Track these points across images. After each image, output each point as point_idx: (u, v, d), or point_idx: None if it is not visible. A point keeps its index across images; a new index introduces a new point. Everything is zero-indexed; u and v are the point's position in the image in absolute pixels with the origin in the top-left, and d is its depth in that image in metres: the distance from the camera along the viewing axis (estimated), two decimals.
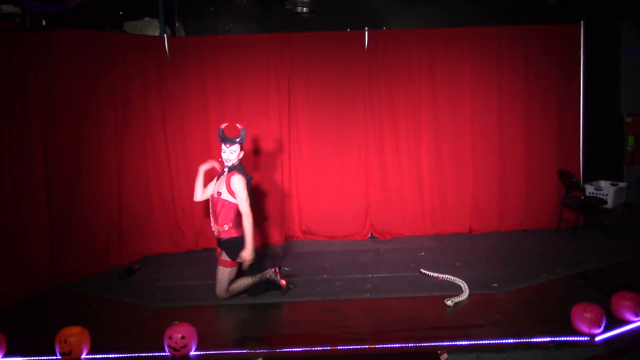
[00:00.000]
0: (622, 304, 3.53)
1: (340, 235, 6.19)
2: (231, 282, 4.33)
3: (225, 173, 4.32)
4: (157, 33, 6.09)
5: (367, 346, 3.37)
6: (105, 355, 3.35)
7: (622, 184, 6.71)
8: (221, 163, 4.36)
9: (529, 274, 4.66)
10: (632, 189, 7.01)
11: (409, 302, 4.17)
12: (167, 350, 3.32)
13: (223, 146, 4.28)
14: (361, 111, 6.14)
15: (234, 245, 4.29)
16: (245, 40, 6.08)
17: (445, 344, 3.33)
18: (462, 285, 4.39)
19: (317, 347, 3.38)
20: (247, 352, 3.37)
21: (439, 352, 3.24)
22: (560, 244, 5.64)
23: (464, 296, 4.18)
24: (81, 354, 3.31)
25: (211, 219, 4.38)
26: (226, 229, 4.27)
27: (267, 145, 6.03)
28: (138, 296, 4.50)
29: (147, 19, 6.28)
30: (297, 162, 6.18)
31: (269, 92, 6.02)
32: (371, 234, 6.26)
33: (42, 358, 3.35)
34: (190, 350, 3.33)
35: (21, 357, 3.36)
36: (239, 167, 4.34)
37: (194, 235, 6.00)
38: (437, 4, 6.98)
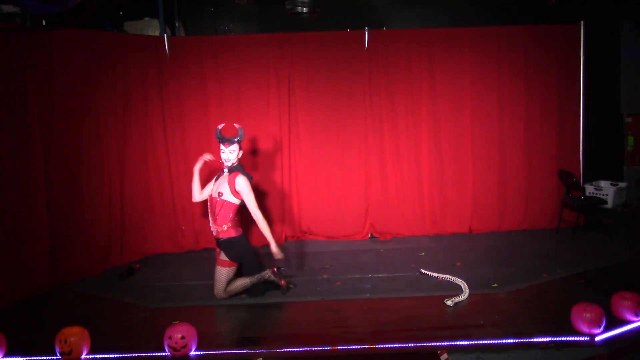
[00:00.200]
0: (622, 304, 3.53)
1: (340, 235, 6.19)
2: (229, 282, 4.33)
3: (226, 174, 4.33)
4: (157, 33, 6.09)
5: (367, 346, 3.37)
6: (105, 355, 3.35)
7: (622, 184, 6.71)
8: (220, 164, 4.37)
9: (529, 274, 4.66)
10: (632, 189, 7.01)
11: (409, 302, 4.17)
12: (167, 350, 3.32)
13: (222, 146, 4.29)
14: (361, 111, 6.14)
15: (233, 245, 4.30)
16: (245, 40, 6.08)
17: (445, 344, 3.33)
18: (462, 285, 4.39)
19: (317, 347, 3.38)
20: (247, 352, 3.37)
21: (439, 352, 3.24)
22: (560, 244, 5.64)
23: (464, 296, 4.17)
24: (81, 354, 3.30)
25: (210, 219, 4.39)
26: (225, 229, 4.28)
27: (267, 145, 6.03)
28: (138, 296, 4.50)
29: (147, 19, 6.28)
30: (297, 161, 6.18)
31: (269, 92, 6.02)
32: (371, 234, 6.26)
33: (42, 358, 3.35)
34: (190, 350, 3.33)
35: (21, 357, 3.36)
36: (240, 168, 4.34)
37: (194, 235, 6.00)
38: (437, 4, 6.98)
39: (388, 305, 4.11)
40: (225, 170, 4.34)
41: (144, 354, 3.37)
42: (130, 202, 5.66)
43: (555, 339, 3.33)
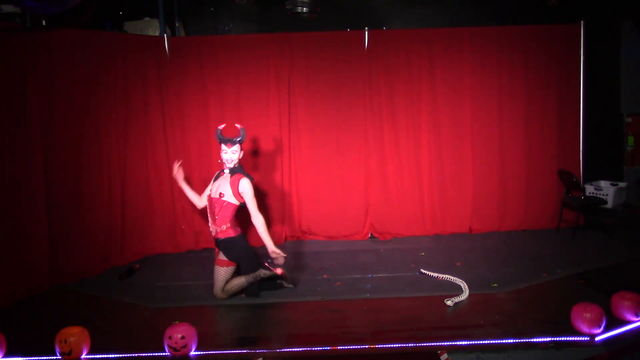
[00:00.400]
0: (622, 304, 3.53)
1: (340, 235, 6.19)
2: (227, 282, 4.34)
3: (227, 174, 4.33)
4: (157, 33, 6.09)
5: (367, 346, 3.37)
6: (105, 355, 3.35)
7: (622, 184, 6.71)
8: (220, 164, 4.38)
9: (529, 274, 4.66)
10: (632, 189, 7.01)
11: (409, 302, 4.17)
12: (167, 350, 3.32)
13: (224, 147, 4.29)
14: (361, 111, 6.13)
15: (231, 245, 4.31)
16: (245, 40, 6.08)
17: (445, 344, 3.33)
18: (462, 285, 4.39)
19: (317, 347, 3.38)
20: (247, 352, 3.37)
21: (439, 352, 3.24)
22: (560, 244, 5.64)
23: (464, 296, 4.17)
24: (81, 354, 3.30)
25: (209, 218, 4.39)
26: (224, 229, 4.29)
27: (267, 145, 6.03)
28: (138, 296, 4.50)
29: (147, 19, 6.28)
30: (297, 161, 6.18)
31: (269, 92, 6.02)
32: (371, 234, 6.26)
33: (42, 358, 3.35)
34: (190, 350, 3.33)
35: (21, 357, 3.36)
36: (241, 169, 4.35)
37: (194, 235, 6.00)
38: (437, 4, 6.98)
39: (388, 305, 4.10)
40: (226, 170, 4.34)
41: (144, 354, 3.37)
42: (130, 202, 5.66)
43: (555, 339, 3.33)
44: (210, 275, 4.43)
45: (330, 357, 3.32)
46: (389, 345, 3.36)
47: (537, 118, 6.22)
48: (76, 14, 4.97)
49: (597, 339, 3.32)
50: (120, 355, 3.36)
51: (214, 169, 4.55)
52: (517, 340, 3.35)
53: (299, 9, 5.94)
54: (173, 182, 5.87)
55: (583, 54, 6.17)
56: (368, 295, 4.35)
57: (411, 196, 6.24)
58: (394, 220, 6.22)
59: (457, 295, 4.16)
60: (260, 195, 5.96)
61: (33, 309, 4.35)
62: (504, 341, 3.35)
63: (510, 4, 6.80)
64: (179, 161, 4.67)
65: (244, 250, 4.36)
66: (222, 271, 4.33)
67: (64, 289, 4.77)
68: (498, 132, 6.22)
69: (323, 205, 6.19)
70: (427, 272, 4.82)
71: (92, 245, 5.26)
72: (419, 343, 3.38)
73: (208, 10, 6.77)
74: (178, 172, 4.61)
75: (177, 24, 6.53)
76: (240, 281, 4.34)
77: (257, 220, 4.27)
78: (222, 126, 4.47)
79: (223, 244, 4.33)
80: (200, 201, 4.61)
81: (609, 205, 6.44)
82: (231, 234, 4.31)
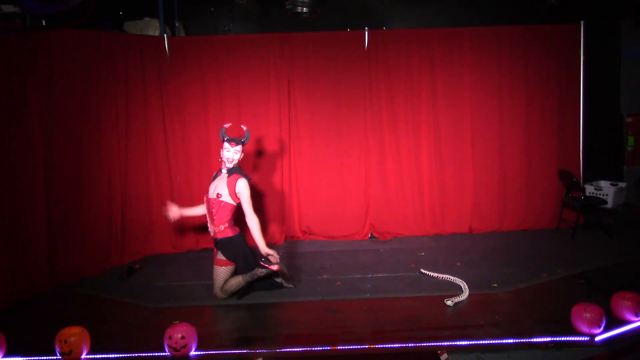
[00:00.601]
0: (622, 304, 3.53)
1: (340, 235, 6.19)
2: (226, 281, 4.34)
3: (224, 174, 4.34)
4: (157, 33, 6.09)
5: (367, 346, 3.37)
6: (105, 355, 3.35)
7: (622, 184, 6.72)
8: (219, 163, 4.38)
9: (529, 274, 4.66)
10: (632, 189, 7.02)
11: (409, 302, 4.17)
12: (167, 350, 3.32)
13: (227, 145, 4.30)
14: (361, 111, 6.13)
15: (230, 244, 4.33)
16: (245, 40, 6.08)
17: (445, 344, 3.33)
18: (462, 285, 4.38)
19: (317, 347, 3.38)
20: (247, 352, 3.37)
21: (439, 352, 3.24)
22: (560, 244, 5.64)
23: (464, 296, 4.17)
24: (81, 354, 3.31)
25: (207, 219, 4.40)
26: (222, 229, 4.30)
27: (267, 145, 6.03)
28: (138, 296, 4.50)
29: (147, 19, 6.28)
30: (297, 162, 6.18)
31: (269, 92, 6.02)
32: (371, 234, 6.26)
33: (42, 358, 3.35)
34: (190, 350, 3.33)
35: (21, 357, 3.36)
36: (239, 170, 4.36)
37: (194, 235, 6.00)
38: (437, 4, 6.99)
39: (388, 305, 4.10)
40: (224, 170, 4.35)
41: (144, 354, 3.37)
42: (130, 202, 5.66)
43: (555, 339, 3.33)
44: (210, 275, 4.43)
45: (330, 357, 3.32)
46: (389, 345, 3.36)
47: (537, 118, 6.22)
48: (76, 14, 4.96)
49: (597, 339, 3.32)
50: (120, 355, 3.35)
51: (214, 169, 4.56)
52: (517, 340, 3.35)
53: (299, 9, 5.94)
54: (173, 182, 5.92)
55: (583, 54, 6.17)
56: (368, 295, 4.35)
57: (411, 196, 6.24)
58: (394, 220, 6.21)
59: (457, 295, 4.16)
60: (260, 195, 5.96)
61: (33, 309, 4.35)
62: (504, 341, 3.35)
63: (510, 4, 6.80)
64: (168, 206, 4.63)
65: (241, 249, 4.37)
66: (221, 271, 4.33)
67: (64, 289, 4.77)
68: (498, 132, 6.22)
69: (323, 205, 6.19)
70: (427, 272, 4.82)
71: (92, 245, 5.26)
72: (419, 343, 3.38)
73: (208, 10, 6.77)
74: (173, 213, 4.59)
75: (177, 24, 6.53)
76: (238, 280, 4.33)
77: (252, 221, 4.29)
78: (227, 125, 4.48)
79: (221, 244, 4.34)
80: (202, 211, 4.63)
81: (609, 205, 6.44)
82: (229, 233, 4.32)
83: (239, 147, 4.32)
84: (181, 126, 5.95)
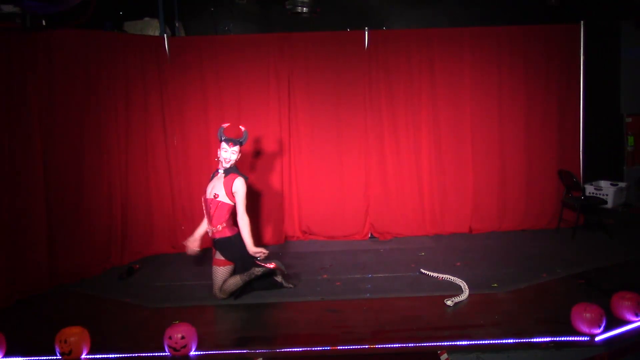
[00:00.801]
0: (622, 304, 3.53)
1: (340, 235, 6.19)
2: (225, 281, 4.34)
3: (221, 174, 4.34)
4: (157, 33, 6.09)
5: (367, 346, 3.37)
6: (105, 355, 3.35)
7: (622, 184, 6.72)
8: (216, 162, 4.39)
9: (529, 274, 4.66)
10: (632, 189, 7.02)
11: (409, 302, 4.17)
12: (167, 350, 3.32)
13: (225, 145, 4.30)
14: (361, 111, 6.13)
15: (228, 244, 4.33)
16: (245, 40, 6.08)
17: (445, 344, 3.33)
18: (462, 285, 4.39)
19: (317, 347, 3.38)
20: (247, 352, 3.37)
21: (439, 352, 3.24)
22: (560, 244, 5.64)
23: (464, 296, 4.17)
24: (81, 354, 3.31)
25: (205, 219, 4.40)
26: (220, 229, 4.31)
27: (267, 145, 6.03)
28: (138, 296, 4.50)
29: (147, 19, 6.28)
30: (297, 161, 6.18)
31: (269, 92, 6.02)
32: (371, 234, 6.26)
33: (42, 358, 3.35)
34: (190, 350, 3.33)
35: (21, 357, 3.36)
36: (236, 169, 4.37)
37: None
38: (437, 4, 6.98)
39: (388, 305, 4.10)
40: (221, 170, 4.35)
41: (144, 354, 3.37)
42: (130, 202, 5.66)
43: (555, 339, 3.33)
44: (210, 275, 4.43)
45: (330, 357, 3.32)
46: (389, 345, 3.36)
47: (537, 118, 6.22)
48: (76, 14, 4.97)
49: (597, 339, 3.32)
50: (120, 355, 3.36)
51: (214, 169, 4.55)
52: (517, 340, 3.35)
53: (299, 9, 5.94)
54: (173, 182, 5.93)
55: (583, 54, 6.17)
56: (368, 295, 4.35)
57: (411, 196, 6.24)
58: (394, 220, 6.21)
59: (457, 295, 4.16)
60: (260, 195, 5.96)
61: (33, 309, 4.35)
62: (503, 341, 3.35)
63: (510, 4, 6.80)
64: (186, 245, 4.59)
65: (239, 249, 4.36)
66: (220, 271, 4.33)
67: (64, 289, 4.77)
68: (498, 132, 6.22)
69: (323, 205, 6.19)
70: (427, 272, 4.82)
71: (92, 245, 5.26)
72: (419, 343, 3.38)
73: (208, 10, 6.77)
74: (192, 246, 4.55)
75: (177, 24, 6.53)
76: (236, 280, 4.33)
77: (243, 221, 4.30)
78: (225, 125, 4.48)
79: (219, 244, 4.34)
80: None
81: (609, 205, 6.44)
82: (227, 233, 4.33)
83: (236, 148, 4.33)
84: (181, 126, 5.95)
